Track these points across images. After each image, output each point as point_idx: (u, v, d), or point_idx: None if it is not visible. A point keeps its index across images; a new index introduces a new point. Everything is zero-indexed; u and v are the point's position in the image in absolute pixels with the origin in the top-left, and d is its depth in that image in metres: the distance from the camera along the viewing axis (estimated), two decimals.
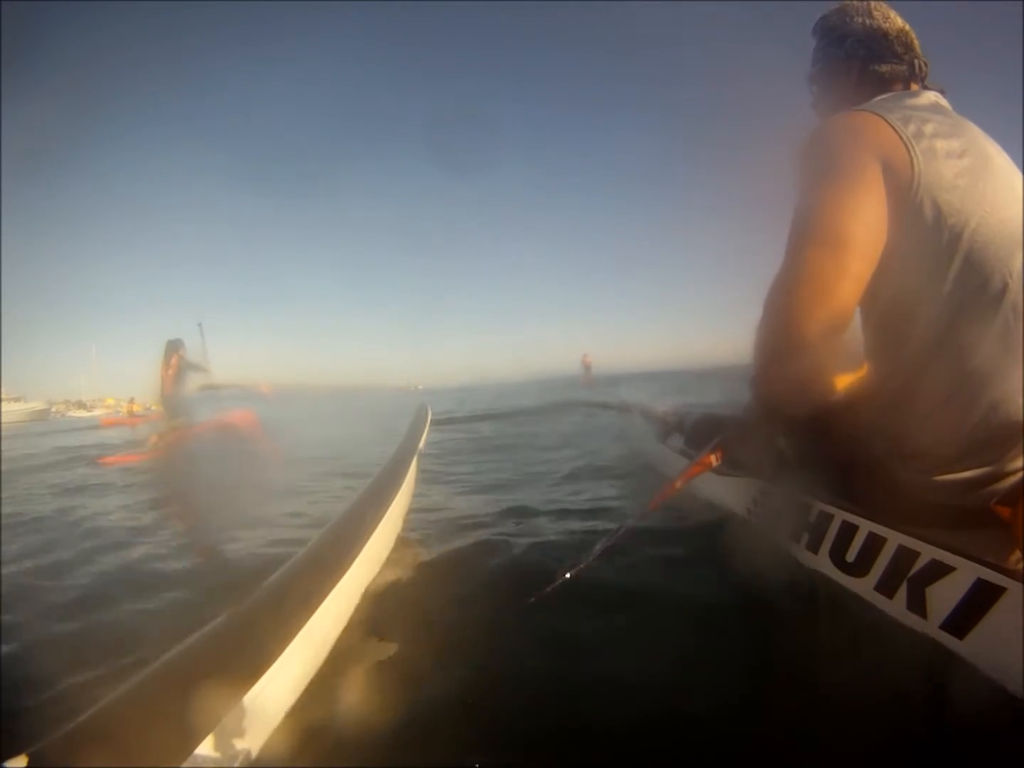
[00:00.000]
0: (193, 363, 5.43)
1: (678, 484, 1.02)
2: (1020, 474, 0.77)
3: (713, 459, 1.01)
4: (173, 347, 5.36)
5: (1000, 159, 0.81)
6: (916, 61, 0.92)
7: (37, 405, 32.27)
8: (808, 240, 0.79)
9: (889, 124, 0.77)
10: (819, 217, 0.79)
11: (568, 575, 0.84)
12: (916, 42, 0.94)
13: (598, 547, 0.96)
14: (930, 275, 0.76)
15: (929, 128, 0.77)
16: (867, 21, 0.94)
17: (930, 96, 0.86)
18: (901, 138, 0.76)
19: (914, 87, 0.92)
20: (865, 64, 0.93)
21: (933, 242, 0.75)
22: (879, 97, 0.88)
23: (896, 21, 0.94)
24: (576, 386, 12.44)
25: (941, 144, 0.76)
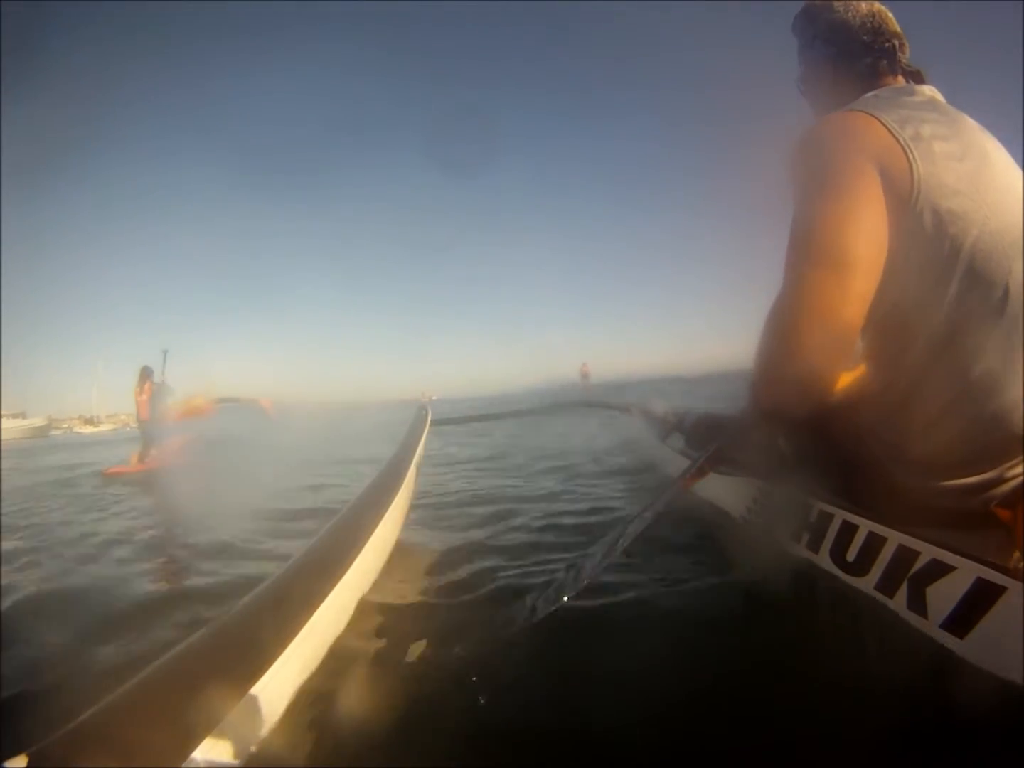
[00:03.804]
0: (167, 389, 5.73)
1: (672, 495, 1.01)
2: (1021, 478, 0.77)
3: (709, 467, 0.99)
4: (146, 374, 5.68)
5: (999, 157, 0.79)
6: (888, 44, 0.88)
7: (37, 421, 32.05)
8: (808, 260, 0.76)
9: (885, 126, 0.74)
10: (819, 234, 0.75)
11: (566, 599, 0.78)
12: (888, 21, 0.89)
13: (599, 562, 0.86)
14: (932, 284, 0.74)
15: (927, 129, 0.75)
16: (830, 17, 0.91)
17: (925, 92, 0.84)
18: (899, 142, 0.73)
19: (888, 80, 0.88)
20: (836, 63, 0.90)
21: (934, 251, 0.73)
22: (871, 93, 0.85)
23: (860, 8, 0.90)
24: (575, 393, 12.54)
25: (940, 147, 0.74)
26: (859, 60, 0.89)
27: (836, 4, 0.91)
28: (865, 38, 0.88)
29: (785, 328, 0.78)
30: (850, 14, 0.90)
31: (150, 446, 5.39)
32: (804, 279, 0.76)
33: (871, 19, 0.89)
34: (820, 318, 0.74)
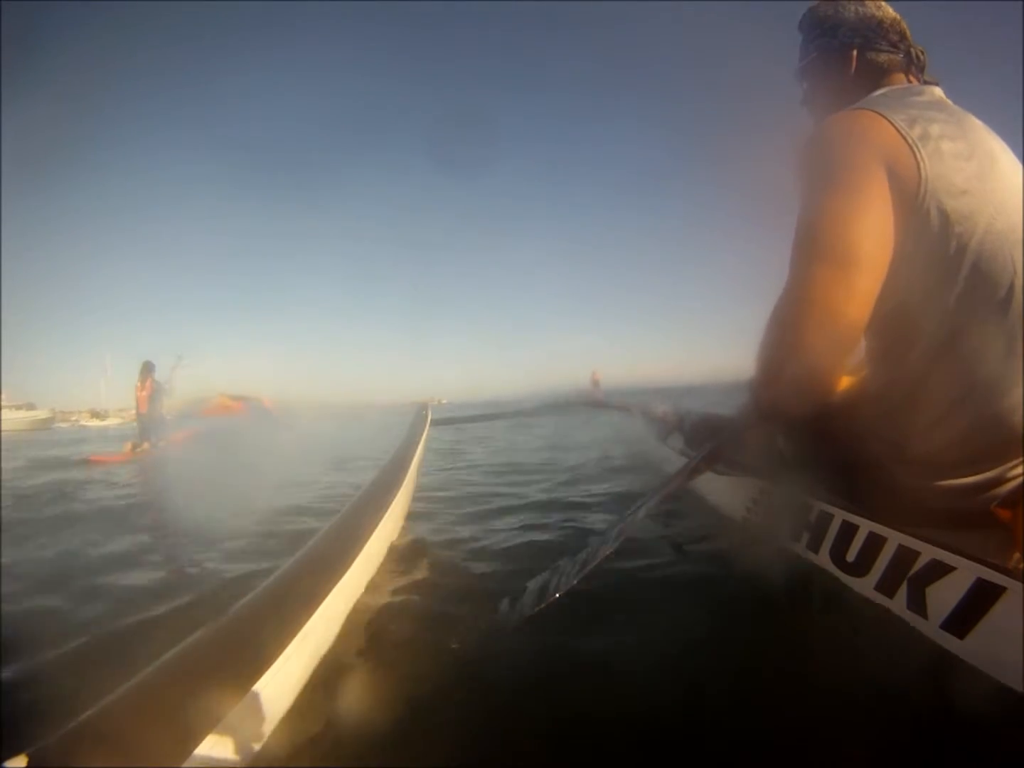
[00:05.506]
0: (166, 388, 5.91)
1: (669, 491, 1.02)
2: (1021, 479, 0.77)
3: (705, 466, 0.98)
4: (148, 369, 5.83)
5: (1005, 158, 0.80)
6: (912, 50, 0.90)
7: (40, 414, 32.25)
8: (814, 257, 0.76)
9: (893, 125, 0.74)
10: (825, 231, 0.75)
11: (558, 595, 0.78)
12: (908, 33, 0.92)
13: (592, 559, 0.85)
14: (936, 283, 0.74)
15: (935, 129, 0.75)
16: (860, 9, 0.92)
17: (934, 92, 0.84)
18: (906, 141, 0.73)
19: (911, 80, 0.90)
20: (862, 52, 0.91)
21: (940, 250, 0.73)
22: (879, 92, 0.85)
23: (888, 10, 0.92)
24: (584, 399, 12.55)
25: (948, 146, 0.74)
26: (882, 53, 0.90)
27: (867, 2, 0.93)
28: (892, 36, 0.91)
29: (789, 325, 0.77)
30: (880, 12, 0.92)
31: (145, 439, 5.56)
32: (809, 276, 0.76)
33: (897, 23, 0.92)
34: (824, 315, 0.74)
